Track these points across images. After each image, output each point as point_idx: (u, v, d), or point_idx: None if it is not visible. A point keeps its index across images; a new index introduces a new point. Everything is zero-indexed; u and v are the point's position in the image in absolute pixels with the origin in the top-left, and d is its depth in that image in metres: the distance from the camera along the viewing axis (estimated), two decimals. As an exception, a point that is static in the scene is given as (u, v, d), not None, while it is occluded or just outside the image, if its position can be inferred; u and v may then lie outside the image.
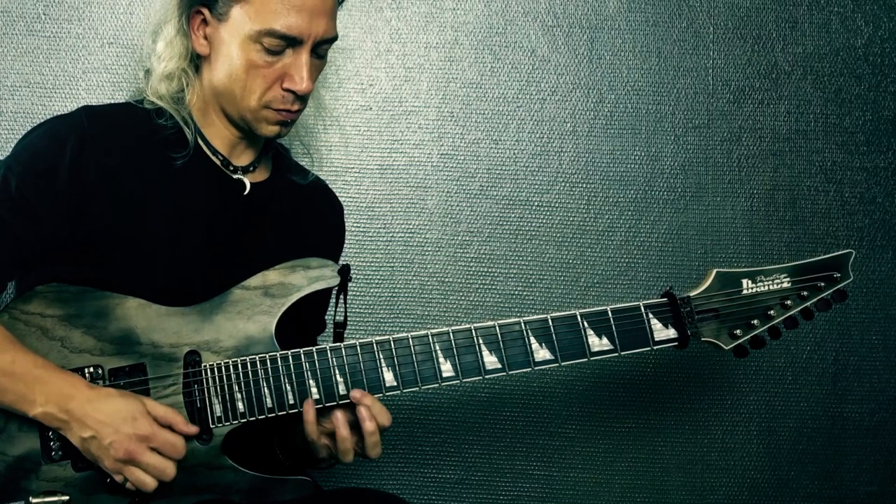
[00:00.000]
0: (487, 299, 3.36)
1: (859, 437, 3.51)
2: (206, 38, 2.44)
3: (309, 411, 2.31)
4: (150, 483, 2.19)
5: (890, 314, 3.52)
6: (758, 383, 3.49)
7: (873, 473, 3.52)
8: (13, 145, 2.45)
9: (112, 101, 2.78)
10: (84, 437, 2.18)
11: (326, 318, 2.74)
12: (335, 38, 2.46)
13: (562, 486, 3.43)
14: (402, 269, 3.34)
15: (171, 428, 2.23)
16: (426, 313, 3.33)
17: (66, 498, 2.23)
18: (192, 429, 2.26)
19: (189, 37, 2.46)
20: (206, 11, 2.42)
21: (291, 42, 2.36)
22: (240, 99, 2.41)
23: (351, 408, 2.33)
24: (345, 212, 2.87)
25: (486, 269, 3.37)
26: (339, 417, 2.31)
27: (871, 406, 3.52)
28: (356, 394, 2.32)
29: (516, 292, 3.38)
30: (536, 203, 3.39)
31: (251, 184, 2.55)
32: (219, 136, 2.52)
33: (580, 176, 3.40)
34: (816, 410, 3.51)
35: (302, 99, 2.44)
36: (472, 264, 3.37)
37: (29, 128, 2.48)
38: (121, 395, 2.22)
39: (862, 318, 3.51)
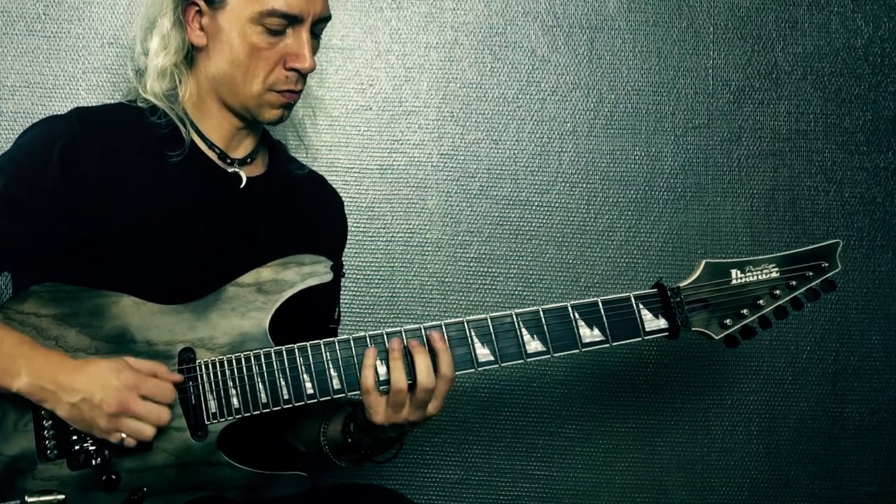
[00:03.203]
0: (487, 299, 3.37)
1: (859, 437, 3.51)
2: (202, 28, 2.45)
3: (370, 355, 2.31)
4: (148, 431, 2.19)
5: (890, 314, 3.52)
6: (758, 383, 3.49)
7: (873, 473, 3.52)
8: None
9: (108, 101, 2.78)
10: (73, 402, 2.17)
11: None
12: (330, 17, 2.49)
13: (562, 486, 3.43)
14: (402, 269, 3.34)
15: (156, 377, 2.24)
16: (426, 313, 3.33)
17: (62, 497, 2.23)
18: (177, 376, 2.27)
19: (184, 29, 2.47)
20: (200, 2, 2.43)
21: (292, 21, 2.39)
22: (242, 85, 2.43)
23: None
24: (345, 212, 2.88)
25: (486, 269, 3.37)
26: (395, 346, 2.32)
27: (871, 406, 3.51)
28: (439, 343, 2.33)
29: (516, 292, 3.38)
30: (536, 203, 3.39)
31: (248, 178, 2.55)
32: (216, 128, 2.52)
33: (580, 176, 3.40)
34: (816, 410, 3.50)
35: (304, 78, 2.47)
36: (472, 264, 3.37)
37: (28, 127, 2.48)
38: (101, 357, 2.23)
39: (862, 318, 3.51)
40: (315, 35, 2.48)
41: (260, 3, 2.36)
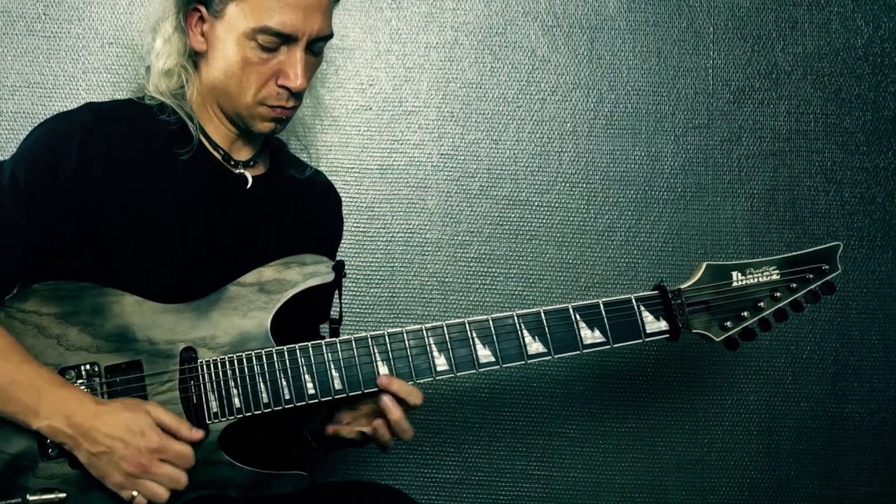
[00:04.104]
0: (487, 299, 3.37)
1: (859, 437, 3.51)
2: (203, 35, 2.46)
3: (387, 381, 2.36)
4: (163, 494, 2.19)
5: (890, 314, 3.52)
6: (758, 383, 3.49)
7: (873, 473, 3.52)
8: (14, 145, 2.46)
9: (114, 99, 2.79)
10: (94, 453, 2.17)
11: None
12: (330, 36, 2.47)
13: (562, 486, 3.43)
14: (402, 269, 3.34)
15: (176, 436, 2.23)
16: (426, 313, 3.33)
17: (64, 495, 2.23)
18: (198, 433, 2.25)
19: (187, 34, 2.47)
20: (203, 9, 2.43)
21: (286, 39, 2.37)
22: (235, 95, 2.43)
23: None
24: (345, 212, 2.89)
25: (486, 269, 3.37)
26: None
27: (871, 406, 3.51)
28: (383, 380, 2.35)
29: (516, 292, 3.38)
30: (536, 203, 3.39)
31: (252, 178, 2.56)
32: (218, 131, 2.53)
33: (580, 176, 3.40)
34: (816, 410, 3.50)
35: (297, 96, 2.45)
36: (472, 264, 3.37)
37: (30, 128, 2.48)
38: (126, 407, 2.21)
39: (862, 318, 3.51)
40: (314, 53, 2.47)
41: (255, 20, 2.35)
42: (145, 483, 2.18)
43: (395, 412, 2.34)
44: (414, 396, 2.36)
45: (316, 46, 2.45)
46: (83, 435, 2.17)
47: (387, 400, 2.34)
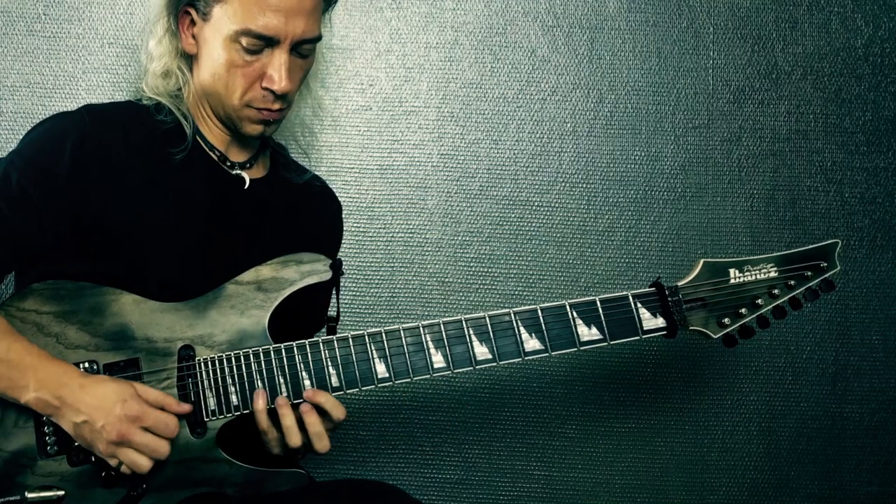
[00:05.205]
0: (487, 299, 3.37)
1: (859, 437, 3.50)
2: (193, 37, 2.47)
3: (259, 401, 2.32)
4: (144, 463, 2.20)
5: (890, 314, 3.51)
6: (758, 383, 3.49)
7: (873, 473, 3.52)
8: (14, 145, 2.46)
9: (113, 101, 2.80)
10: (76, 423, 2.19)
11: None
12: (317, 39, 2.47)
13: (562, 486, 3.43)
14: (402, 269, 3.34)
15: (163, 409, 2.24)
16: (426, 313, 3.33)
17: (62, 493, 2.24)
18: (185, 406, 2.28)
19: (178, 36, 2.48)
20: (193, 11, 2.44)
21: (269, 42, 2.38)
22: (224, 97, 2.44)
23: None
24: (345, 212, 2.89)
25: (486, 269, 3.37)
26: (282, 403, 2.34)
27: (871, 406, 3.51)
28: (308, 393, 2.34)
29: (516, 292, 3.38)
30: (536, 203, 3.39)
31: (250, 179, 2.56)
32: (213, 133, 2.55)
33: (580, 176, 3.40)
34: (816, 410, 3.50)
35: (282, 98, 2.45)
36: (472, 264, 3.37)
37: (29, 127, 2.49)
38: (112, 380, 2.24)
39: (862, 318, 3.50)
40: (301, 55, 2.46)
41: (238, 22, 2.35)
42: (125, 451, 2.20)
43: (311, 416, 2.34)
44: (338, 411, 2.35)
45: (303, 49, 2.45)
46: (67, 406, 2.19)
47: (303, 406, 2.34)
